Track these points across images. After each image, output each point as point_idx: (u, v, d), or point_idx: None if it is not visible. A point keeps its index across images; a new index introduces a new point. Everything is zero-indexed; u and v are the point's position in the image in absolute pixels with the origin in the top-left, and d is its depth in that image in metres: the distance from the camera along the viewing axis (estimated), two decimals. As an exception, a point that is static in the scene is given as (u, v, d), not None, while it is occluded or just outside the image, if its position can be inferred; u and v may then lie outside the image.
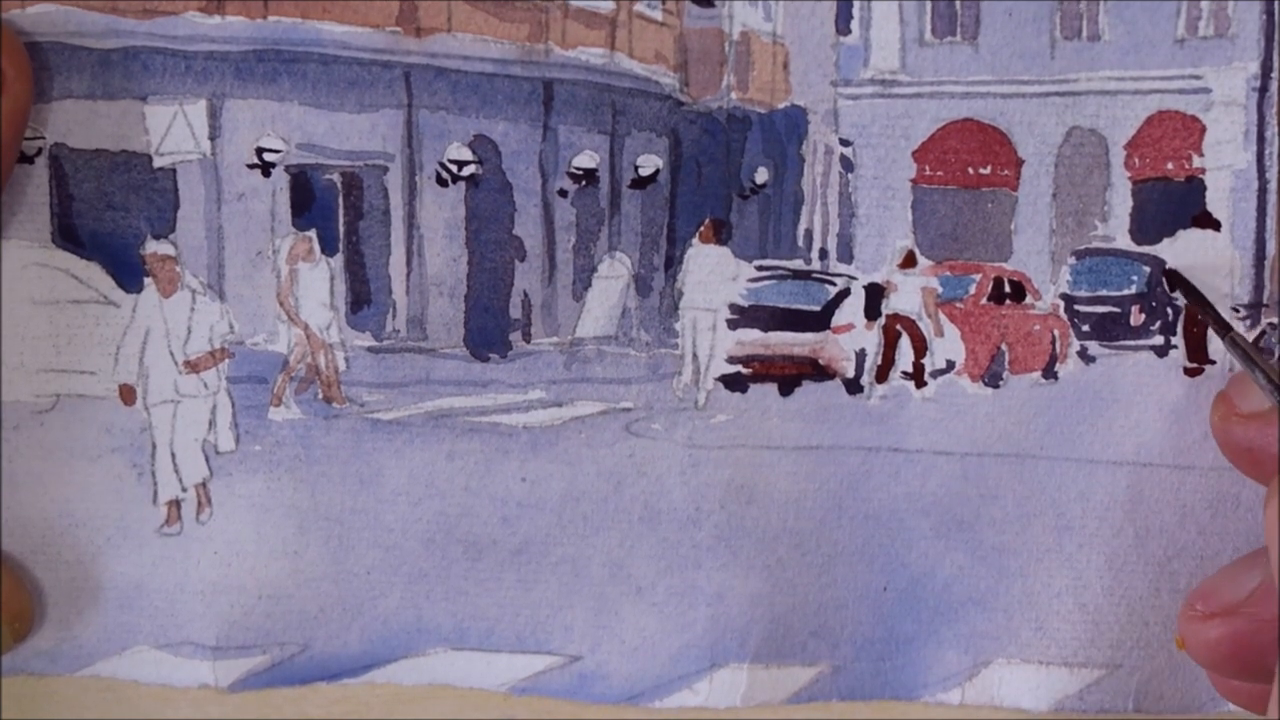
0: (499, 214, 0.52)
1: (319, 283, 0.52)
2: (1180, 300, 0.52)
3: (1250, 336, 0.51)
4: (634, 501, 0.52)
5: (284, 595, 0.52)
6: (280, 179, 0.51)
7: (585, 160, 0.52)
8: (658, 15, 0.52)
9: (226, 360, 0.52)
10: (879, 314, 0.53)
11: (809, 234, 0.53)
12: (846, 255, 0.53)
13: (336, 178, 0.51)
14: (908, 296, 0.53)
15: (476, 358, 0.52)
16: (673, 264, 0.53)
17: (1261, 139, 0.51)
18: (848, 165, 0.53)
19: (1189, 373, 0.52)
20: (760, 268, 0.53)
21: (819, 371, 0.53)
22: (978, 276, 0.53)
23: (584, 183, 0.53)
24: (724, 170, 0.52)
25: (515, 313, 0.52)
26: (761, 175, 0.53)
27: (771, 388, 0.53)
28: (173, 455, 0.51)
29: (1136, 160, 0.52)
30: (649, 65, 0.52)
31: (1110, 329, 0.53)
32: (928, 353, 0.53)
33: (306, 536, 0.52)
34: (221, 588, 0.52)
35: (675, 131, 0.53)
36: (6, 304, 0.50)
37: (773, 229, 0.53)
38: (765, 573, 0.53)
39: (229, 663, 0.52)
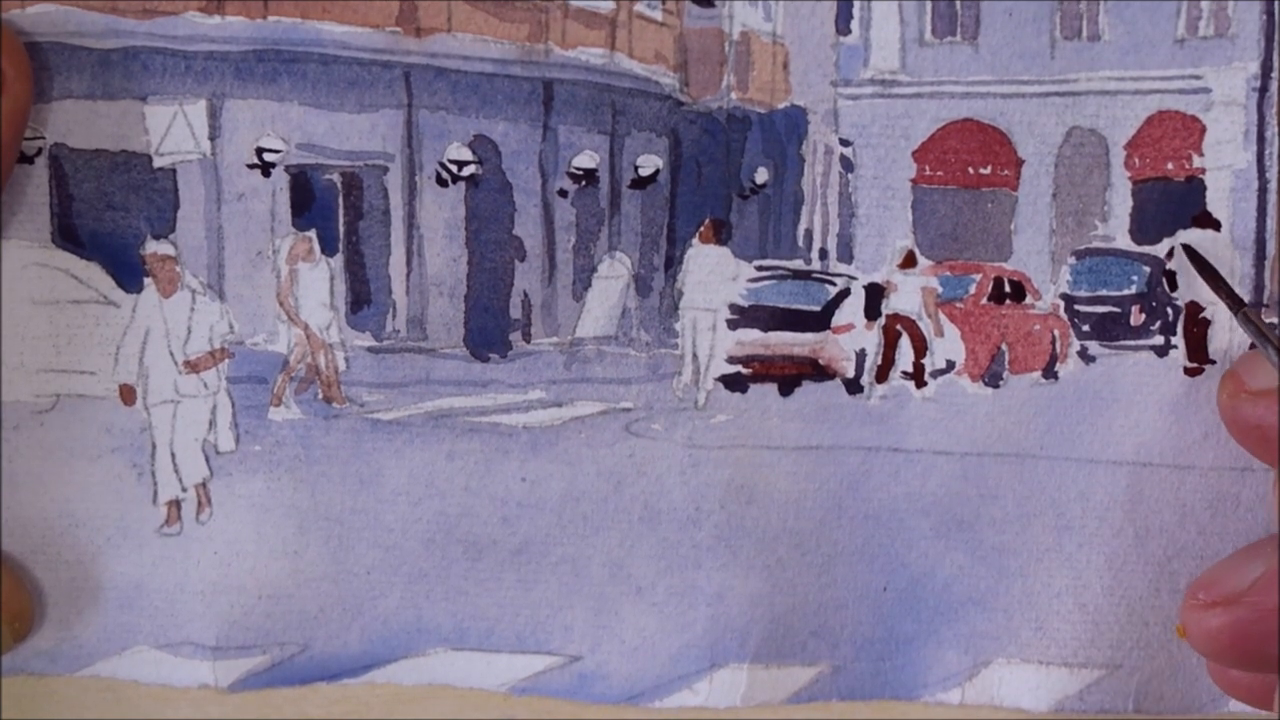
0: (499, 214, 0.52)
1: (319, 283, 0.52)
2: (1180, 300, 0.52)
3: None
4: (634, 501, 0.52)
5: (284, 595, 0.52)
6: (280, 179, 0.51)
7: (585, 160, 0.52)
8: (658, 15, 0.52)
9: (226, 360, 0.52)
10: (879, 314, 0.53)
11: (809, 234, 0.53)
12: (846, 255, 0.53)
13: (336, 178, 0.51)
14: (908, 296, 0.53)
15: (476, 358, 0.52)
16: (673, 264, 0.53)
17: (1261, 139, 0.51)
18: (848, 165, 0.53)
19: (1189, 373, 0.52)
20: (760, 268, 0.53)
21: (819, 371, 0.53)
22: (978, 276, 0.53)
23: (584, 183, 0.53)
24: (724, 170, 0.52)
25: (515, 313, 0.52)
26: (761, 175, 0.53)
27: (771, 388, 0.53)
28: (173, 455, 0.51)
29: (1136, 160, 0.52)
30: (649, 65, 0.52)
31: (1110, 329, 0.53)
32: (928, 353, 0.53)
33: (306, 536, 0.52)
34: (221, 588, 0.52)
35: (675, 131, 0.53)
36: (6, 304, 0.50)
37: (773, 229, 0.53)
38: (765, 573, 0.53)
39: (229, 663, 0.52)
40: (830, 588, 0.53)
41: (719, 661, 0.53)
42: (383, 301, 0.52)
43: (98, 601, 0.51)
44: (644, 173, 0.53)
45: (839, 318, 0.53)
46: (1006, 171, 0.53)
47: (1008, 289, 0.53)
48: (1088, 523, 0.52)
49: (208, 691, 0.52)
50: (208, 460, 0.52)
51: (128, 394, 0.51)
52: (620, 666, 0.53)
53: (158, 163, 0.50)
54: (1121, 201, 0.52)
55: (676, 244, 0.53)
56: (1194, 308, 0.52)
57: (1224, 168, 0.51)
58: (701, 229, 0.53)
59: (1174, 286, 0.52)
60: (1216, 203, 0.52)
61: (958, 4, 0.52)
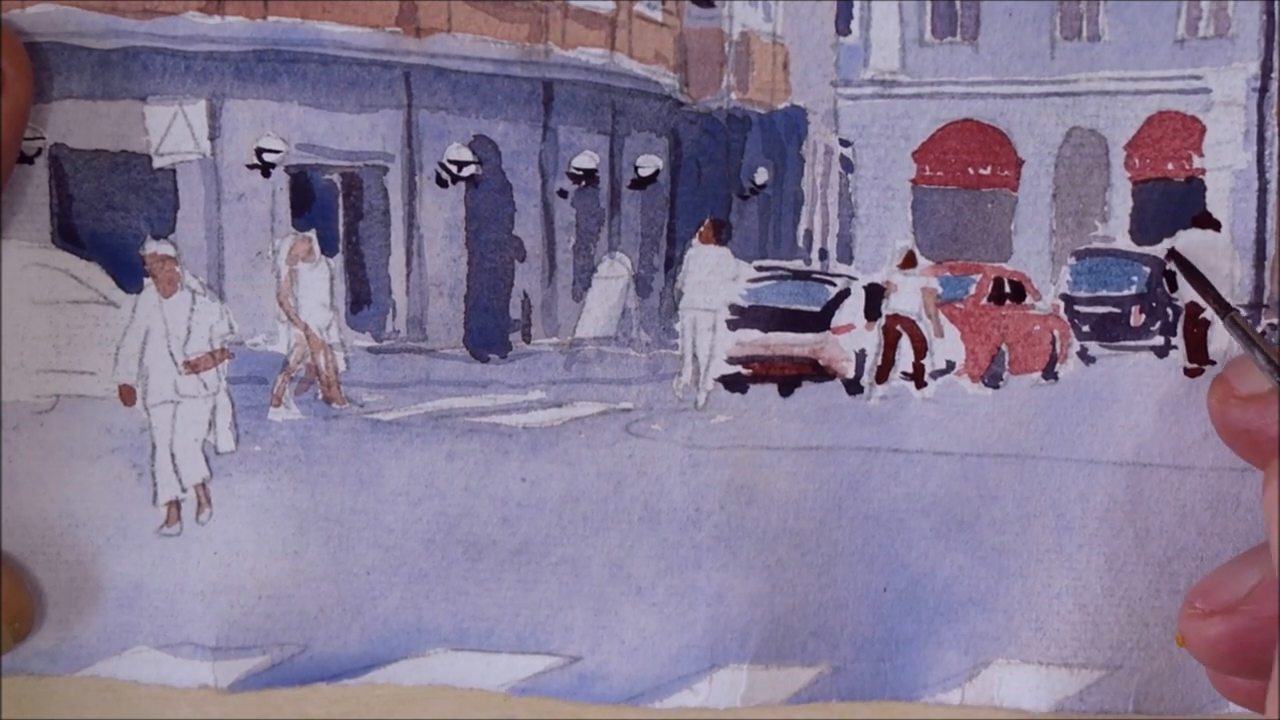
0: (499, 214, 0.52)
1: (319, 283, 0.52)
2: (1180, 300, 0.52)
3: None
4: (634, 502, 0.52)
5: (284, 595, 0.52)
6: (280, 179, 0.51)
7: (585, 160, 0.52)
8: (658, 15, 0.52)
9: (226, 360, 0.52)
10: (879, 314, 0.53)
11: (809, 234, 0.53)
12: (846, 255, 0.53)
13: (336, 178, 0.51)
14: (908, 297, 0.53)
15: (476, 358, 0.52)
16: (673, 264, 0.53)
17: (1261, 139, 0.51)
18: (848, 165, 0.53)
19: (1189, 373, 0.52)
20: (760, 268, 0.53)
21: (819, 372, 0.53)
22: (978, 277, 0.53)
23: (584, 183, 0.53)
24: (724, 170, 0.52)
25: (515, 313, 0.52)
26: (761, 175, 0.53)
27: (771, 388, 0.53)
28: (173, 455, 0.51)
29: (1136, 160, 0.52)
30: (649, 65, 0.52)
31: (1110, 329, 0.53)
32: (928, 353, 0.53)
33: (306, 536, 0.52)
34: (221, 588, 0.52)
35: (675, 132, 0.53)
36: (6, 304, 0.50)
37: (773, 229, 0.53)
38: (765, 573, 0.53)
39: (229, 663, 0.52)
40: (830, 588, 0.53)
41: (719, 662, 0.53)
42: (383, 302, 0.52)
43: (98, 601, 0.52)
44: (644, 173, 0.53)
45: (839, 318, 0.53)
46: (1006, 172, 0.53)
47: (1008, 289, 0.53)
48: (1088, 523, 0.52)
49: (208, 692, 0.52)
50: (208, 460, 0.52)
51: (128, 394, 0.51)
52: (620, 667, 0.53)
53: (158, 163, 0.50)
54: (1121, 202, 0.52)
55: (676, 244, 0.53)
56: (1194, 308, 0.52)
57: (1224, 168, 0.51)
58: (701, 229, 0.53)
59: (1174, 287, 0.52)
60: (1216, 203, 0.52)
61: (958, 4, 0.52)
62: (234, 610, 0.52)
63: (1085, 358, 0.53)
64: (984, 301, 0.53)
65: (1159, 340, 0.52)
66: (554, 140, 0.52)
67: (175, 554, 0.52)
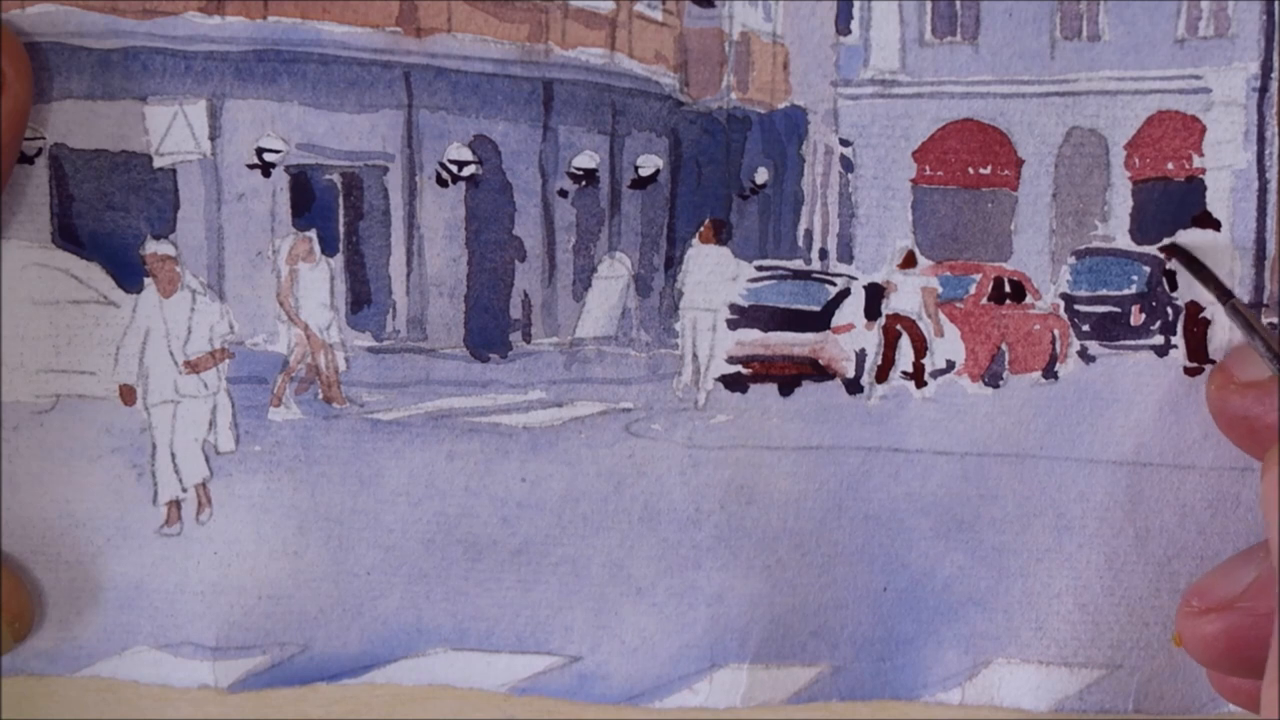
0: (499, 214, 0.52)
1: (319, 283, 0.52)
2: (1180, 300, 0.52)
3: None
4: (634, 502, 0.52)
5: (284, 595, 0.52)
6: (280, 179, 0.51)
7: (585, 160, 0.52)
8: (658, 15, 0.52)
9: (226, 360, 0.52)
10: (879, 314, 0.53)
11: (809, 234, 0.53)
12: (846, 255, 0.53)
13: (336, 178, 0.51)
14: (908, 296, 0.53)
15: (476, 358, 0.52)
16: (673, 264, 0.53)
17: (1261, 139, 0.51)
18: (848, 165, 0.53)
19: (1189, 373, 0.52)
20: (760, 268, 0.53)
21: (819, 371, 0.53)
22: (978, 276, 0.53)
23: (584, 183, 0.53)
24: (724, 170, 0.52)
25: (515, 313, 0.52)
26: (761, 175, 0.53)
27: (771, 388, 0.53)
28: (173, 455, 0.51)
29: (1136, 160, 0.52)
30: (649, 65, 0.52)
31: (1110, 329, 0.53)
32: (928, 353, 0.53)
33: (306, 536, 0.52)
34: (221, 588, 0.52)
35: (675, 131, 0.53)
36: (6, 304, 0.50)
37: (773, 229, 0.53)
38: (765, 573, 0.53)
39: (229, 663, 0.52)
40: (830, 588, 0.53)
41: (719, 661, 0.53)
42: (383, 301, 0.52)
43: (98, 601, 0.51)
44: (644, 173, 0.53)
45: (839, 318, 0.53)
46: (1006, 171, 0.53)
47: (1008, 289, 0.53)
48: (1088, 523, 0.52)
49: (208, 691, 0.52)
50: (208, 460, 0.52)
51: (128, 394, 0.51)
52: (620, 667, 0.53)
53: (158, 163, 0.50)
54: (1121, 201, 0.52)
55: (676, 244, 0.53)
56: (1194, 308, 0.52)
57: (1224, 168, 0.51)
58: (701, 229, 0.53)
59: (1174, 286, 0.52)
60: (1216, 203, 0.52)
61: (958, 4, 0.52)
62: (234, 610, 0.52)
63: (1085, 357, 0.53)
64: (984, 301, 0.53)
65: (1159, 340, 0.52)
66: (554, 140, 0.52)
67: (175, 554, 0.52)
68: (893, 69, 0.53)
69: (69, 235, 0.50)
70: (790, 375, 0.53)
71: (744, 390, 0.53)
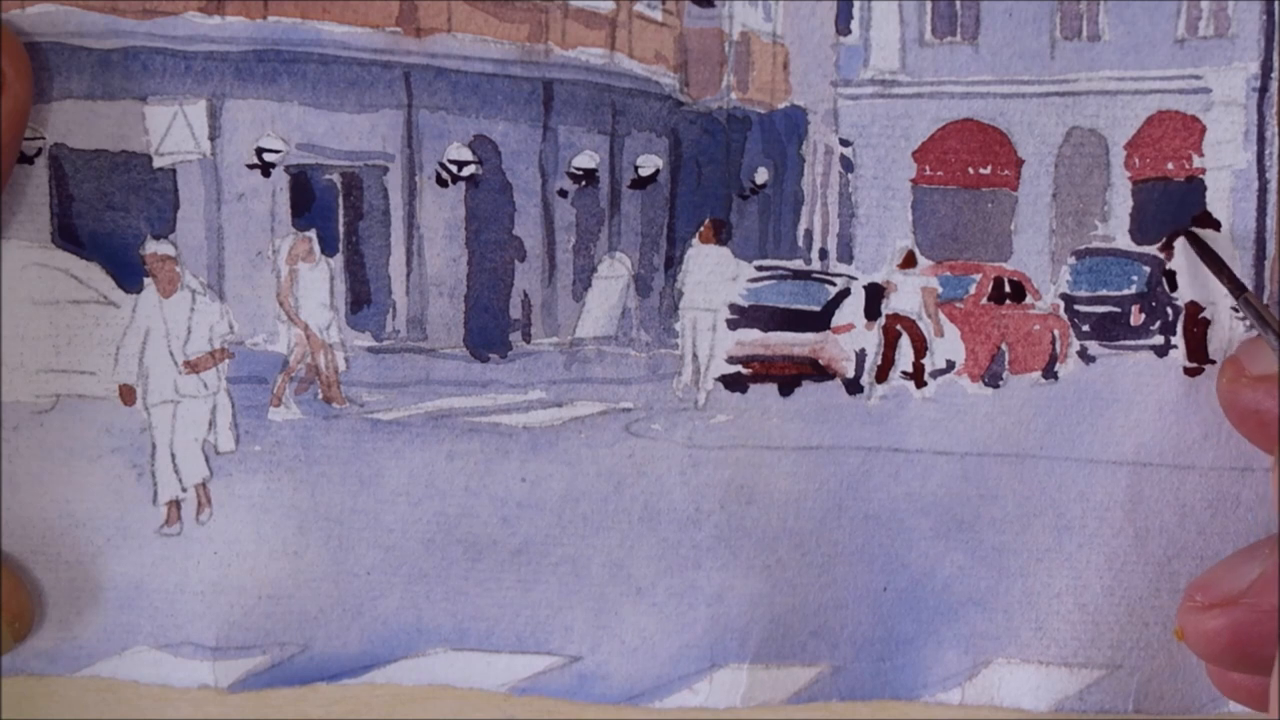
0: (499, 214, 0.52)
1: (319, 283, 0.52)
2: (1180, 300, 0.52)
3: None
4: (634, 501, 0.52)
5: (284, 595, 0.52)
6: (280, 179, 0.51)
7: (585, 160, 0.52)
8: (658, 15, 0.52)
9: (226, 360, 0.52)
10: (879, 314, 0.53)
11: (809, 234, 0.53)
12: (846, 255, 0.53)
13: (336, 178, 0.51)
14: (908, 296, 0.53)
15: (476, 358, 0.52)
16: (673, 264, 0.53)
17: (1261, 139, 0.51)
18: (848, 165, 0.53)
19: (1189, 373, 0.52)
20: (760, 268, 0.53)
21: (819, 371, 0.53)
22: (978, 276, 0.53)
23: (584, 183, 0.53)
24: (724, 170, 0.52)
25: (515, 313, 0.52)
26: (761, 175, 0.53)
27: (771, 388, 0.53)
28: (173, 455, 0.51)
29: (1136, 160, 0.52)
30: (649, 65, 0.52)
31: (1110, 329, 0.53)
32: (928, 353, 0.53)
33: (306, 536, 0.52)
34: (221, 588, 0.52)
35: (675, 131, 0.53)
36: (6, 304, 0.50)
37: (773, 229, 0.53)
38: (765, 573, 0.53)
39: (229, 663, 0.52)
40: (830, 588, 0.53)
41: (719, 661, 0.53)
42: (383, 301, 0.52)
43: (98, 601, 0.52)
44: (644, 173, 0.53)
45: (839, 318, 0.53)
46: (1006, 171, 0.53)
47: (1008, 289, 0.53)
48: (1088, 523, 0.52)
49: (208, 691, 0.52)
50: (208, 460, 0.52)
51: (128, 394, 0.51)
52: (620, 666, 0.53)
53: (158, 163, 0.50)
54: (1121, 201, 0.52)
55: (676, 244, 0.53)
56: (1194, 308, 0.52)
57: (1224, 168, 0.51)
58: (701, 229, 0.53)
59: (1174, 286, 0.52)
60: (1216, 203, 0.52)
61: (958, 4, 0.52)
62: (234, 610, 0.52)
63: (1085, 357, 0.53)
64: (984, 301, 0.53)
65: (1159, 340, 0.52)
66: (554, 140, 0.52)
67: (175, 554, 0.52)
68: (893, 69, 0.53)
69: (69, 235, 0.50)
70: (790, 375, 0.53)
71: (744, 390, 0.53)
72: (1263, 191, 0.51)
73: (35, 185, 0.50)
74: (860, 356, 0.53)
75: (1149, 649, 0.53)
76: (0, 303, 0.50)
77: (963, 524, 0.53)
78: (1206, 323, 0.52)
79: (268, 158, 0.50)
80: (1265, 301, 0.51)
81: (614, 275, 0.53)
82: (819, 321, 0.53)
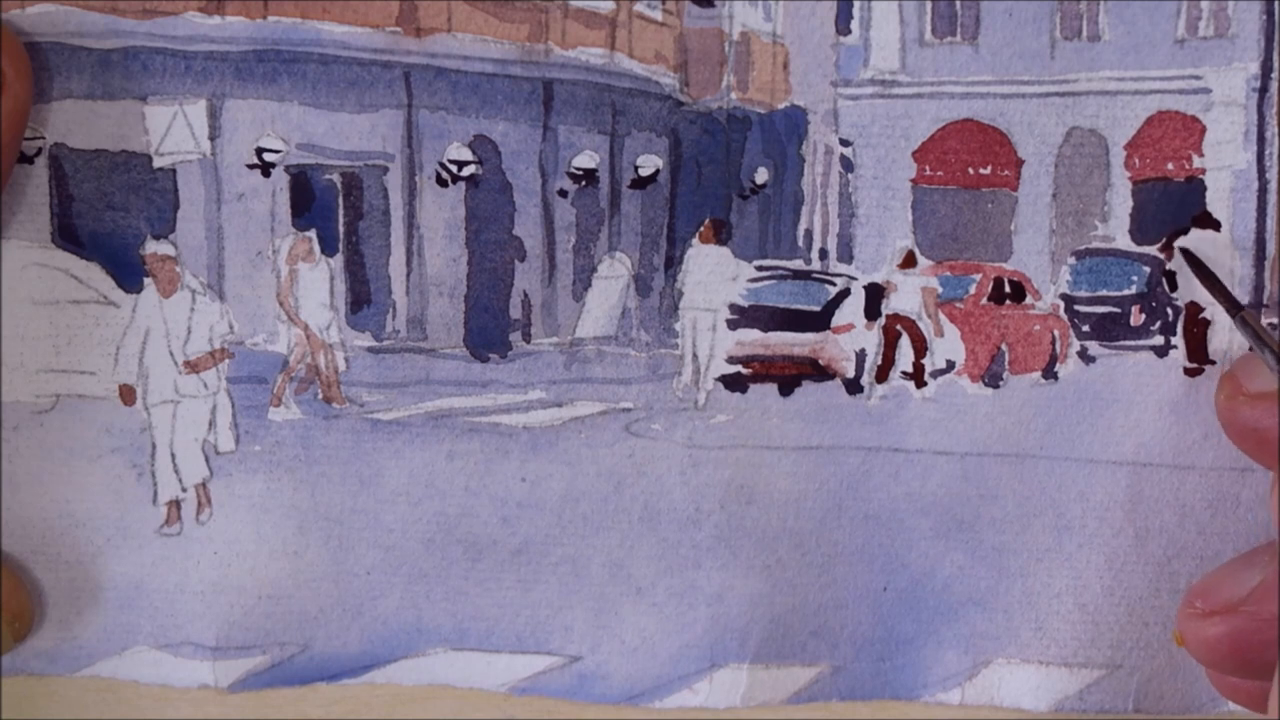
0: (499, 214, 0.52)
1: (319, 283, 0.52)
2: (1180, 300, 0.52)
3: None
4: (634, 501, 0.52)
5: (284, 595, 0.52)
6: (280, 179, 0.51)
7: (585, 160, 0.52)
8: (658, 15, 0.52)
9: (226, 360, 0.52)
10: (879, 314, 0.53)
11: (809, 234, 0.53)
12: (846, 255, 0.53)
13: (336, 178, 0.51)
14: (908, 296, 0.53)
15: (476, 358, 0.52)
16: (673, 264, 0.53)
17: (1261, 139, 0.51)
18: (848, 165, 0.53)
19: (1189, 373, 0.52)
20: (760, 268, 0.53)
21: (819, 371, 0.53)
22: (978, 276, 0.53)
23: (584, 183, 0.53)
24: (724, 170, 0.52)
25: (515, 313, 0.52)
26: (761, 175, 0.53)
27: (771, 388, 0.53)
28: (173, 455, 0.51)
29: (1136, 160, 0.52)
30: (649, 65, 0.52)
31: (1110, 329, 0.53)
32: (928, 353, 0.53)
33: (306, 536, 0.52)
34: (221, 588, 0.52)
35: (675, 131, 0.53)
36: (6, 304, 0.50)
37: (773, 229, 0.53)
38: (765, 573, 0.53)
39: (229, 663, 0.52)
40: (830, 588, 0.53)
41: (719, 661, 0.53)
42: (383, 301, 0.52)
43: (98, 601, 0.51)
44: (644, 173, 0.53)
45: (839, 318, 0.53)
46: (1006, 171, 0.53)
47: (1008, 289, 0.53)
48: (1088, 523, 0.52)
49: (208, 691, 0.52)
50: (208, 460, 0.52)
51: (128, 394, 0.51)
52: (620, 666, 0.53)
53: (158, 163, 0.50)
54: (1121, 201, 0.52)
55: (676, 244, 0.53)
56: (1194, 308, 0.52)
57: (1224, 168, 0.51)
58: (701, 229, 0.53)
59: (1174, 286, 0.52)
60: (1216, 203, 0.52)
61: (958, 4, 0.52)
62: (234, 610, 0.52)
63: (1085, 357, 0.53)
64: (984, 301, 0.53)
65: (1159, 340, 0.52)
66: (554, 140, 0.52)
67: (175, 554, 0.52)
68: (893, 69, 0.53)
69: (69, 235, 0.50)
70: (790, 375, 0.53)
71: (744, 390, 0.53)
72: (1263, 192, 0.51)
73: (35, 185, 0.50)
74: (860, 356, 0.53)
75: (1149, 649, 0.53)
76: (0, 303, 0.50)
77: (963, 524, 0.53)
78: (1206, 323, 0.52)
79: (268, 158, 0.50)
80: (1265, 302, 0.51)
81: (614, 275, 0.53)
82: (819, 321, 0.53)
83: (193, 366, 0.51)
